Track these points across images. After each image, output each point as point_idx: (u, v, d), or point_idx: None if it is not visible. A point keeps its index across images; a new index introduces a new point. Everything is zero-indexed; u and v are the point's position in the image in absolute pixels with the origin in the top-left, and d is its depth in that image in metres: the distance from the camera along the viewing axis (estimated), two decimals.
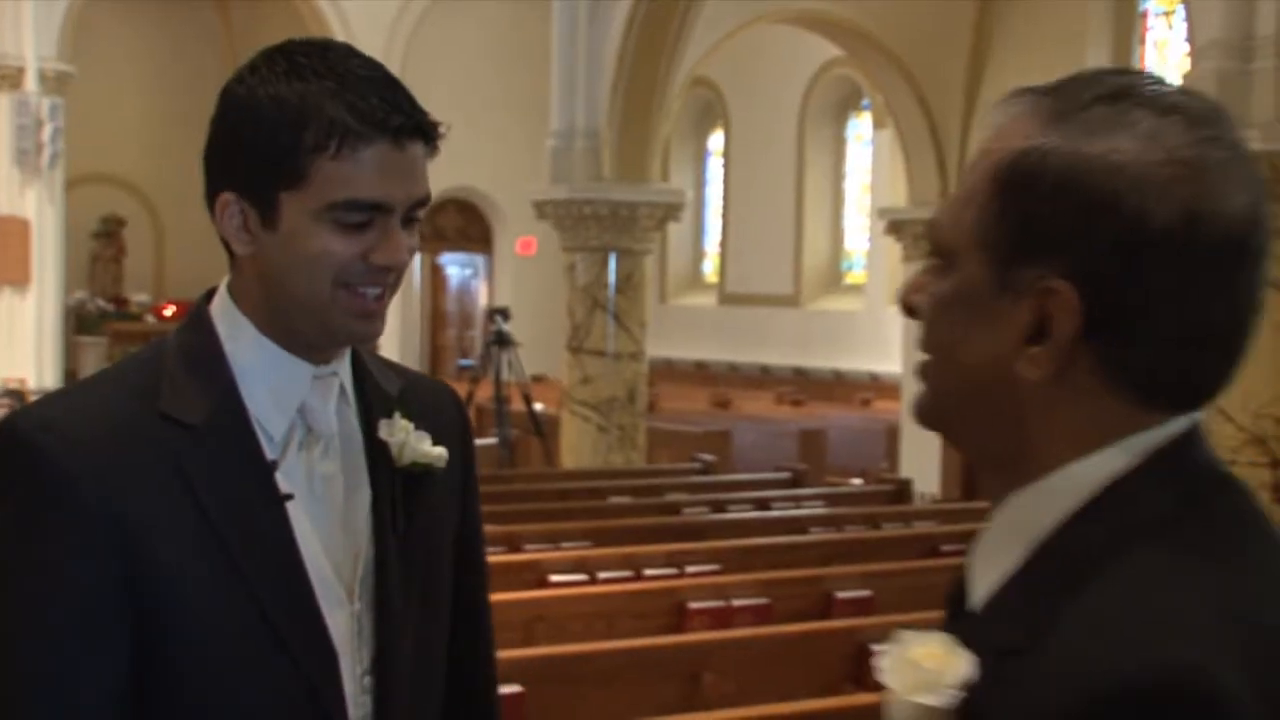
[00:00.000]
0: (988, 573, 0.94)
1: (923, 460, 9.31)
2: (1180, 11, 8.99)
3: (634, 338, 8.81)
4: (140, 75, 16.74)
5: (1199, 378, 0.91)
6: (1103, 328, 0.89)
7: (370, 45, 10.27)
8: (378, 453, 1.37)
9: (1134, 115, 0.89)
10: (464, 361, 14.68)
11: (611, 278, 8.74)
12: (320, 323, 1.29)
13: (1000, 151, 0.93)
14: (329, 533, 1.33)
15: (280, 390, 1.32)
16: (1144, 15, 10.49)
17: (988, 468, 0.98)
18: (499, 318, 9.26)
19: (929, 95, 10.59)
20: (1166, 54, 10.38)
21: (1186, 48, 6.20)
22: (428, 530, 1.40)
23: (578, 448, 8.75)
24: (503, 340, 9.13)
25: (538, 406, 9.20)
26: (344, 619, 1.32)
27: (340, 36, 13.27)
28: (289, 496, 1.30)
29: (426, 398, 1.45)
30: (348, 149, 1.24)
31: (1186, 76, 5.87)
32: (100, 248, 16.70)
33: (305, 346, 1.33)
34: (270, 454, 1.30)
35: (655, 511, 6.03)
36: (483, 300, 16.07)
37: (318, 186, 1.25)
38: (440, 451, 1.39)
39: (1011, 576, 0.91)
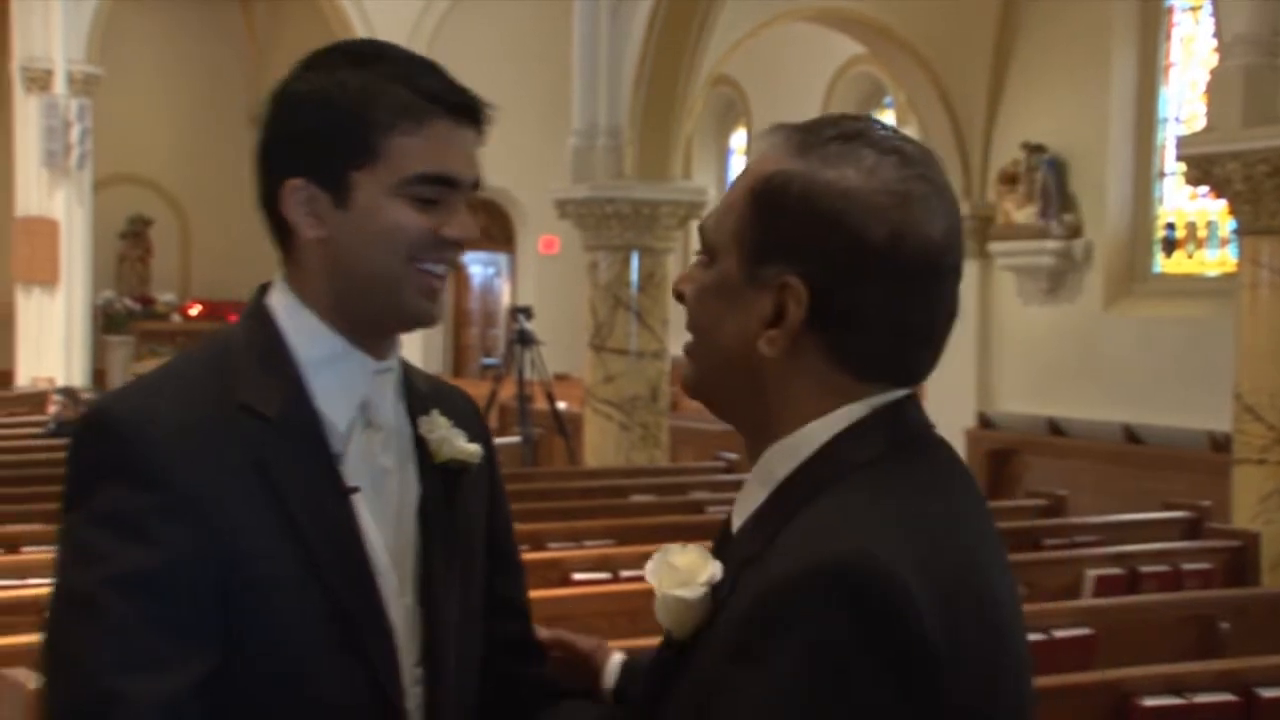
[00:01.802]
0: (741, 512, 1.17)
1: None
2: (1207, 7, 8.92)
3: (656, 336, 8.80)
4: (166, 77, 16.84)
5: (906, 361, 1.15)
6: (826, 317, 1.11)
7: None
8: (422, 448, 1.39)
9: (862, 153, 1.12)
10: (487, 360, 14.65)
11: (634, 276, 8.75)
12: (390, 300, 1.32)
13: (756, 172, 1.15)
14: (386, 526, 1.34)
15: (344, 384, 1.34)
16: (1170, 10, 10.39)
17: (744, 432, 1.19)
18: (522, 316, 9.27)
19: (952, 93, 10.54)
20: (1193, 49, 10.28)
21: (1213, 43, 6.15)
22: (466, 526, 1.42)
23: (600, 446, 8.76)
24: (525, 339, 9.14)
25: (560, 405, 9.21)
26: (400, 611, 1.34)
27: (362, 36, 13.31)
28: (355, 489, 1.32)
29: (447, 400, 1.46)
30: (416, 124, 1.30)
31: (1214, 72, 5.83)
32: (127, 248, 16.80)
33: (370, 332, 1.35)
34: (335, 447, 1.32)
35: (678, 510, 6.02)
36: (505, 299, 16.09)
37: (391, 162, 1.30)
38: (475, 448, 1.41)
39: (757, 511, 1.15)
